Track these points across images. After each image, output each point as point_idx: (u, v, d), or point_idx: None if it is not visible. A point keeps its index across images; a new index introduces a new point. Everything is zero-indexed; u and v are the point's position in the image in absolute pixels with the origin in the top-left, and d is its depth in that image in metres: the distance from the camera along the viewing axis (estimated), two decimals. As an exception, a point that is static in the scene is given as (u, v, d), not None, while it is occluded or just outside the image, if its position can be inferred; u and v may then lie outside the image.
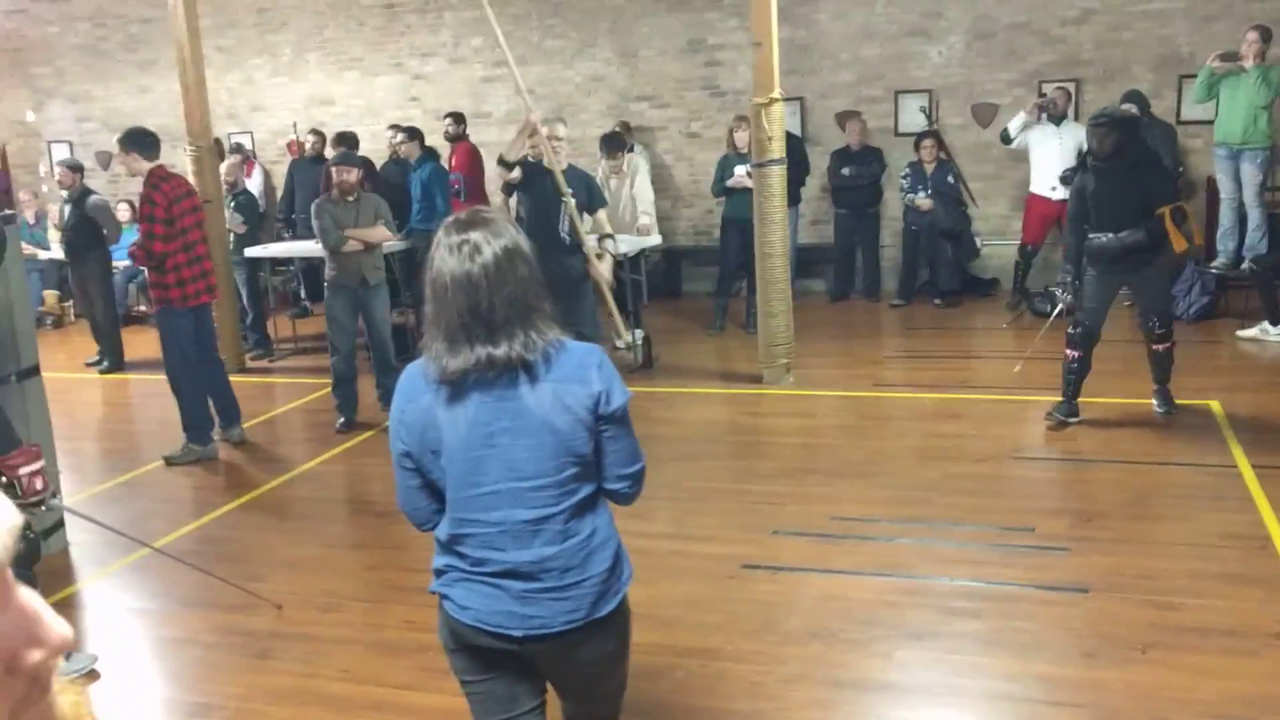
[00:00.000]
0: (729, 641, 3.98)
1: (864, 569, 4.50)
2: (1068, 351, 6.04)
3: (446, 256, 2.21)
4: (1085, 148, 8.61)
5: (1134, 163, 5.74)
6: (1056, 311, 6.50)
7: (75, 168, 9.21)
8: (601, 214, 6.67)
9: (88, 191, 9.09)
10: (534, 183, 6.27)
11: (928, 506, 5.12)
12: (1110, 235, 5.76)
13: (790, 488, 5.51)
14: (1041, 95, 9.14)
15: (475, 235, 2.20)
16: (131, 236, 9.39)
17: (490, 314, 2.18)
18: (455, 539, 2.32)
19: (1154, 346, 6.10)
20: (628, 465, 2.35)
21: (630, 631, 2.48)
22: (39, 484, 3.62)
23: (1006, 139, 9.13)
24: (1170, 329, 6.07)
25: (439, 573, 2.39)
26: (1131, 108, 8.17)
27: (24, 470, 3.57)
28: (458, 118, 9.97)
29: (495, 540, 2.26)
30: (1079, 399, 6.11)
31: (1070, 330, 6.05)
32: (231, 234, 8.93)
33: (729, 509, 5.26)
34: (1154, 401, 6.23)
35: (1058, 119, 8.99)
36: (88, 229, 8.89)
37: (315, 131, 10.57)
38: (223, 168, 9.05)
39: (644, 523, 4.70)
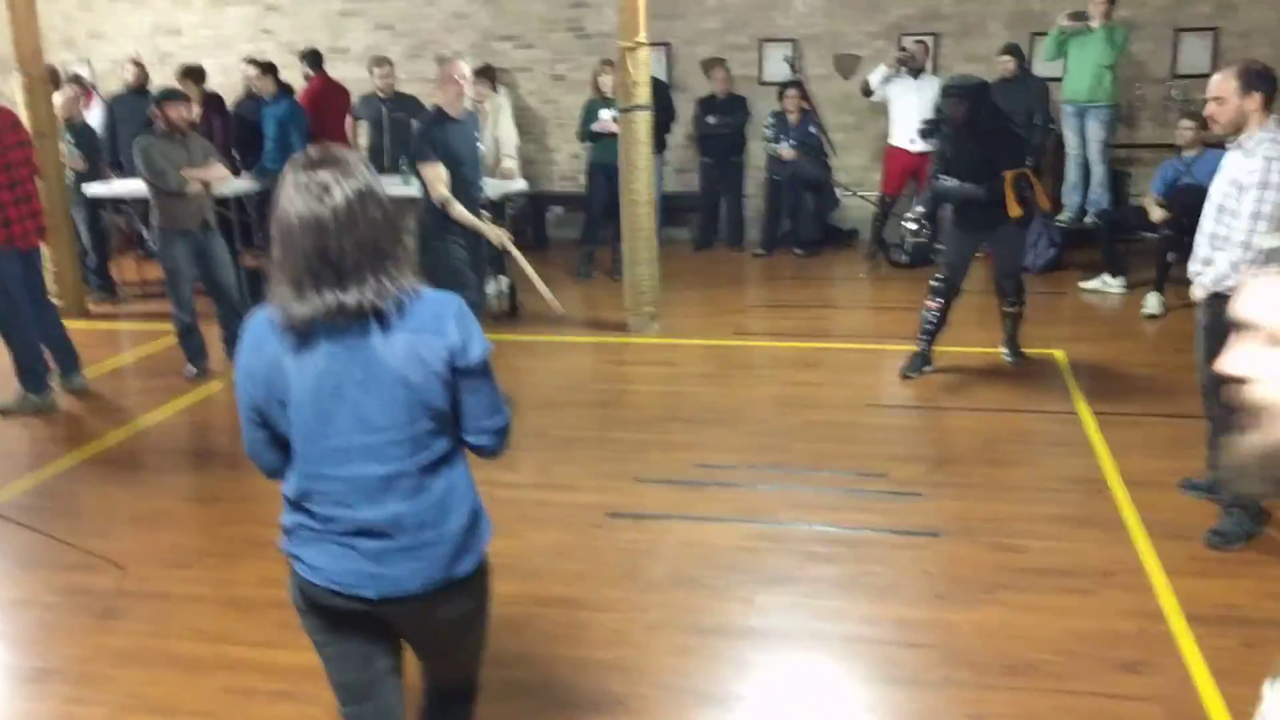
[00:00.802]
0: (593, 590, 3.99)
1: (725, 515, 4.57)
2: (928, 301, 6.22)
3: (294, 195, 2.07)
4: (942, 100, 8.86)
5: (985, 129, 5.95)
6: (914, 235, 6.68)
7: None
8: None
9: None
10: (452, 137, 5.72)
11: (786, 454, 5.22)
12: (955, 182, 5.99)
13: (654, 435, 5.54)
14: (902, 49, 9.28)
15: (325, 175, 2.07)
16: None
17: (340, 258, 2.05)
18: (304, 495, 2.22)
19: (1005, 309, 6.37)
20: (489, 417, 2.25)
21: (490, 590, 2.43)
22: None
23: (867, 91, 9.27)
24: (1021, 295, 6.33)
25: (288, 531, 2.29)
26: (1010, 60, 8.46)
27: None
28: (313, 57, 9.51)
29: (345, 496, 2.17)
30: (933, 349, 6.30)
31: (932, 282, 6.22)
32: (70, 170, 8.42)
33: (594, 458, 5.26)
34: (1003, 351, 6.48)
35: (916, 72, 9.15)
36: None
37: (135, 62, 9.89)
38: (58, 99, 8.49)
39: (509, 472, 4.66)
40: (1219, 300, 3.96)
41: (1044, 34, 9.07)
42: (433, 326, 2.13)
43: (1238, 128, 4.03)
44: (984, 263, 7.43)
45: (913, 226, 6.31)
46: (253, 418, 2.23)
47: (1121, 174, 9.14)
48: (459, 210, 5.54)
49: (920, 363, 6.27)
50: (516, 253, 6.02)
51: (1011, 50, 8.79)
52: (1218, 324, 4.02)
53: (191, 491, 5.21)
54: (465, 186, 5.61)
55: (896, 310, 7.68)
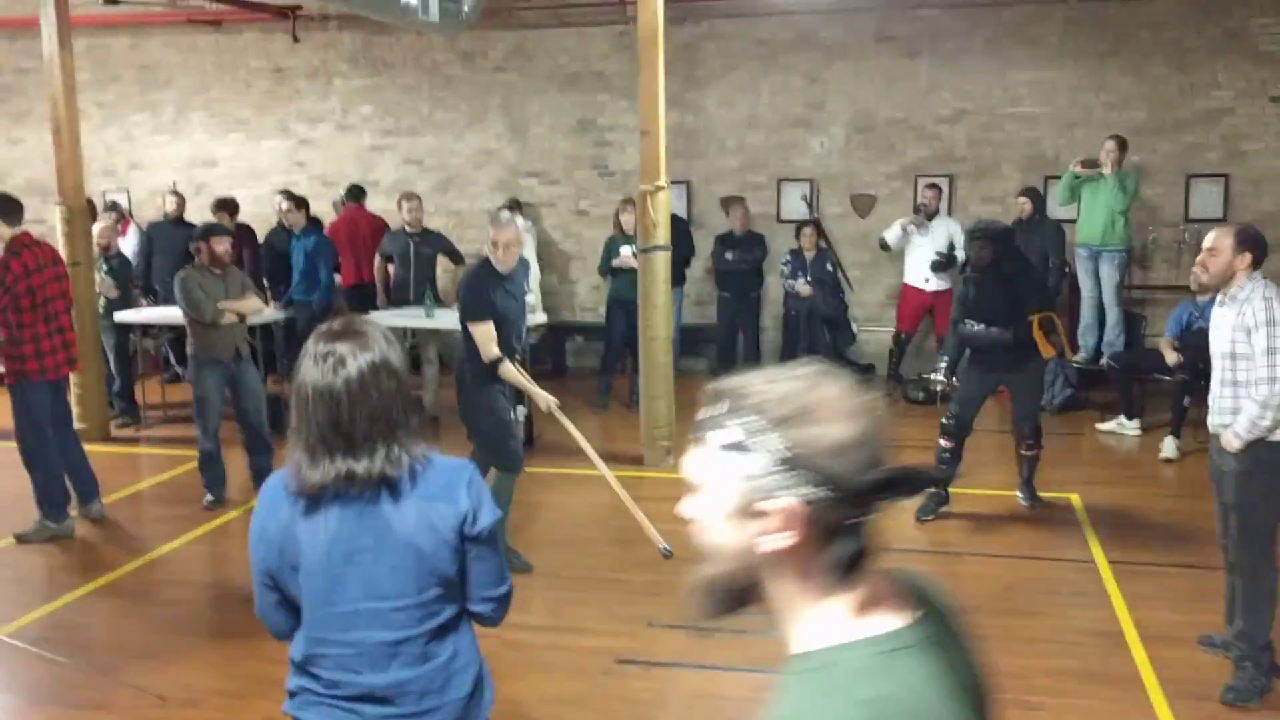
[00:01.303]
0: (601, 742, 3.94)
1: (737, 664, 4.52)
2: (940, 441, 6.23)
3: (311, 367, 2.16)
4: (953, 241, 9.05)
5: (1008, 273, 6.05)
6: (938, 392, 6.70)
7: None
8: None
9: None
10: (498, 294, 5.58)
11: (802, 599, 5.17)
12: (981, 326, 6.04)
13: (668, 576, 5.49)
14: (916, 209, 9.42)
15: (341, 347, 2.15)
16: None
17: (351, 428, 2.12)
18: (310, 659, 2.24)
19: (1022, 451, 6.38)
20: (494, 586, 2.28)
21: None
22: None
23: (884, 246, 9.47)
24: (1039, 437, 6.34)
25: (292, 694, 2.31)
26: (1026, 203, 8.64)
27: None
28: (356, 191, 9.86)
29: (350, 662, 2.19)
30: (949, 489, 6.29)
31: (943, 420, 6.25)
32: (102, 297, 8.63)
33: (606, 599, 5.24)
34: (1019, 494, 6.46)
35: (930, 215, 9.35)
36: None
37: (175, 193, 10.26)
38: (95, 229, 8.77)
39: (521, 613, 4.60)
40: (1258, 446, 4.00)
41: (1057, 177, 9.26)
42: (445, 494, 2.18)
43: (1224, 281, 4.21)
44: (999, 402, 7.46)
45: (941, 380, 6.34)
46: (264, 580, 2.27)
47: (1136, 316, 9.22)
48: (508, 370, 5.41)
49: (936, 504, 6.26)
50: (566, 420, 5.69)
51: (1029, 193, 8.98)
52: (1260, 469, 4.05)
53: (203, 626, 5.20)
54: (508, 340, 5.49)
55: (913, 449, 7.65)
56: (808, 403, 1.21)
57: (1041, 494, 6.46)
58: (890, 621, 1.24)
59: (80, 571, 5.84)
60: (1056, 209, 9.27)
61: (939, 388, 6.52)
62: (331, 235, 9.34)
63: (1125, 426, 8.03)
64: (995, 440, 7.08)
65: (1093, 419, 8.35)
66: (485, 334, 5.32)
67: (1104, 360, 8.50)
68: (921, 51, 9.97)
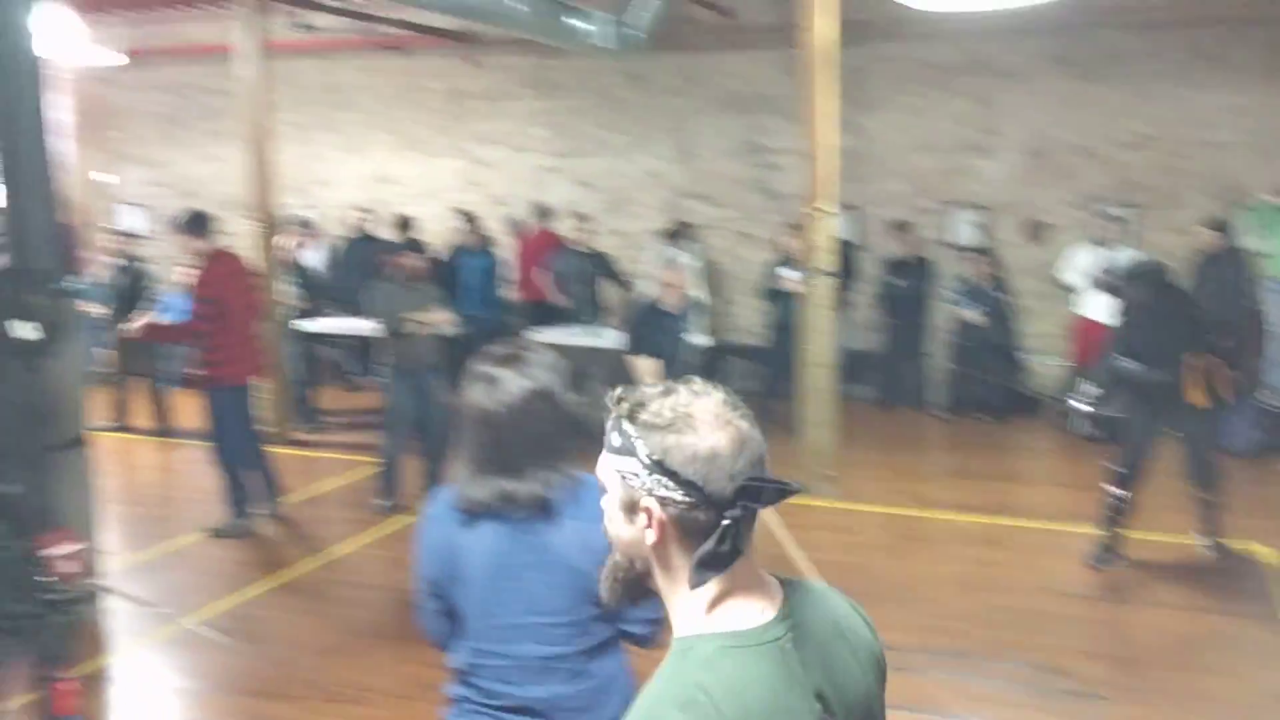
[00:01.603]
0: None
1: (895, 703, 4.37)
2: (1110, 488, 5.98)
3: (473, 387, 2.25)
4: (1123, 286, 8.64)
5: (1165, 313, 5.78)
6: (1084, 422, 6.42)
7: (128, 234, 9.48)
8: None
9: (137, 259, 9.31)
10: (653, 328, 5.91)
11: (964, 639, 5.05)
12: (1134, 364, 5.79)
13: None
14: (1105, 272, 9.00)
15: (504, 372, 2.24)
16: (177, 300, 9.60)
17: (508, 452, 2.21)
18: (470, 669, 2.32)
19: (1200, 495, 6.07)
20: (651, 610, 2.31)
21: None
22: (72, 569, 3.63)
23: (1065, 286, 9.17)
24: (1214, 482, 6.01)
25: (453, 702, 2.39)
26: (1212, 234, 8.24)
27: (57, 552, 3.60)
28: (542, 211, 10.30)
29: (509, 674, 2.26)
30: (1122, 536, 6.03)
31: (1113, 466, 5.99)
32: (288, 308, 9.12)
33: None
34: (1200, 541, 6.14)
35: (1110, 246, 8.99)
36: (133, 296, 9.10)
37: (363, 209, 10.78)
38: (282, 243, 9.26)
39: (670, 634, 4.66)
40: None
41: (1246, 206, 8.79)
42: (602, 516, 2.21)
43: None
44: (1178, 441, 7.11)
45: (1085, 408, 6.11)
46: (428, 589, 2.36)
47: (1335, 355, 8.65)
48: None
49: (1110, 553, 6.00)
50: None
51: (1216, 224, 8.53)
52: None
53: (371, 627, 5.40)
54: (666, 377, 5.58)
55: (1085, 489, 7.37)
56: (681, 415, 1.37)
57: (1227, 542, 6.11)
58: (744, 620, 1.37)
59: (261, 567, 6.16)
60: (1248, 240, 8.79)
61: (1076, 415, 6.24)
62: (520, 252, 9.72)
63: (1320, 473, 7.54)
64: (1175, 483, 6.74)
65: (1284, 464, 7.88)
66: (644, 367, 5.43)
67: (1297, 402, 8.01)
68: (1103, 75, 9.62)
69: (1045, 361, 9.83)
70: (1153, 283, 5.80)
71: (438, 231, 10.90)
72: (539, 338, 8.91)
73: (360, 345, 10.68)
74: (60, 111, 5.09)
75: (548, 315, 9.54)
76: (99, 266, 9.65)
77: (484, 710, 2.30)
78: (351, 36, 11.45)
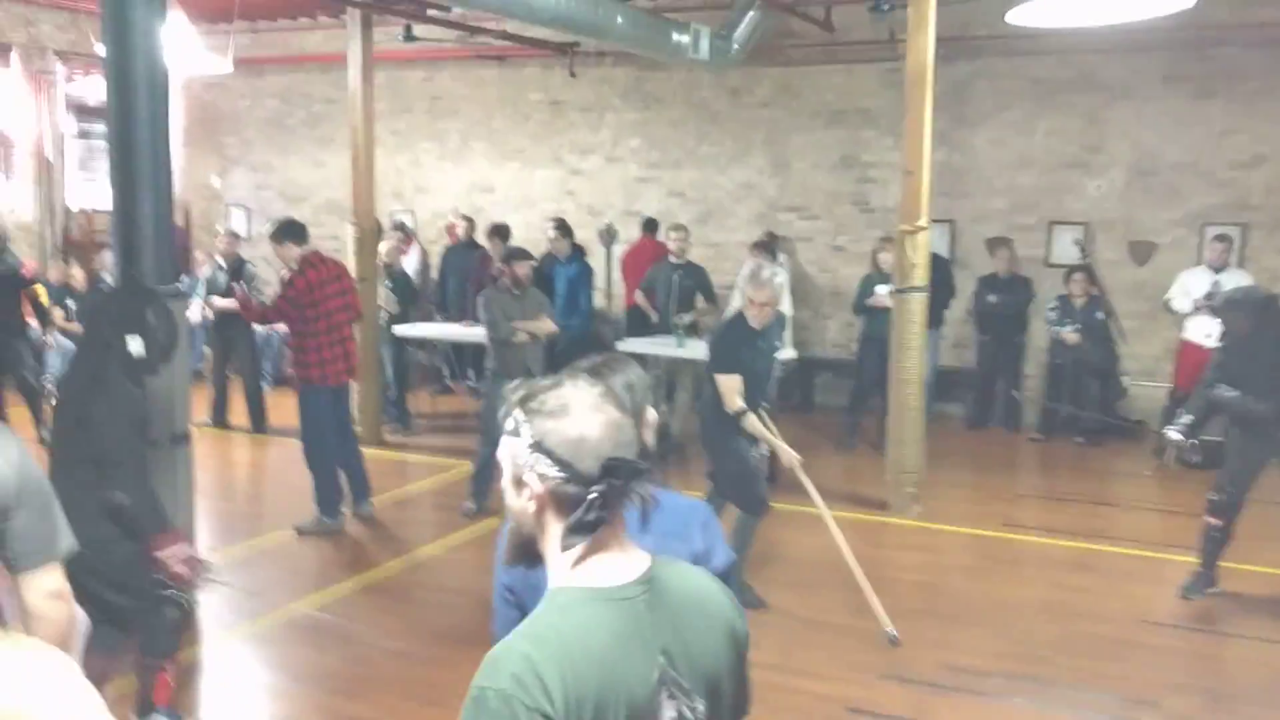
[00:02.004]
0: (825, 791, 3.88)
1: (973, 728, 4.36)
2: (1208, 519, 5.78)
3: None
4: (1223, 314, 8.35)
5: (1269, 343, 5.55)
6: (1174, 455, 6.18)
7: (234, 235, 9.78)
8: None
9: (242, 260, 9.61)
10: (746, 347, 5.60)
11: (1048, 666, 4.93)
12: (1235, 393, 5.58)
13: (907, 628, 5.36)
14: (1210, 296, 8.70)
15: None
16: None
17: None
18: None
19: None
20: None
21: None
22: (184, 571, 3.77)
23: (1169, 308, 8.92)
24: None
25: None
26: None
27: (169, 555, 3.74)
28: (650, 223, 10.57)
29: None
30: (1217, 568, 5.83)
31: (1212, 496, 5.79)
32: (384, 311, 9.32)
33: (840, 645, 5.16)
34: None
35: (1219, 268, 8.72)
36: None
37: (465, 217, 11.02)
38: (382, 248, 9.48)
39: (751, 650, 4.65)
40: None
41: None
42: (678, 532, 2.22)
43: None
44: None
45: (1178, 437, 5.87)
46: (505, 596, 2.36)
47: None
48: (753, 422, 5.44)
49: (1204, 584, 5.80)
50: (807, 481, 5.62)
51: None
52: None
53: (452, 630, 5.47)
54: (754, 393, 5.50)
55: (1183, 515, 7.15)
56: (561, 404, 1.61)
57: (1331, 578, 5.87)
58: (605, 579, 1.60)
59: (348, 567, 6.30)
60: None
61: (1173, 445, 5.99)
62: (625, 260, 10.04)
63: None
64: (1274, 513, 6.50)
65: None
66: (730, 386, 5.38)
67: None
68: (1216, 92, 9.33)
69: (1146, 385, 9.55)
70: (1254, 311, 5.60)
71: (533, 240, 11.03)
72: (627, 347, 8.96)
73: (454, 350, 10.89)
74: (174, 117, 5.30)
75: (642, 325, 9.60)
76: (207, 267, 9.99)
77: None
78: (454, 47, 11.68)
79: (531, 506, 1.64)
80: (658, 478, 2.29)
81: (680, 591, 1.67)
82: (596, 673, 1.51)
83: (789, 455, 5.52)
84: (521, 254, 7.43)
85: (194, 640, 5.11)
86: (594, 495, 1.58)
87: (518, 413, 1.64)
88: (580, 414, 1.61)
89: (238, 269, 9.41)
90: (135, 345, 3.98)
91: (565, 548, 1.61)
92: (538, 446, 1.61)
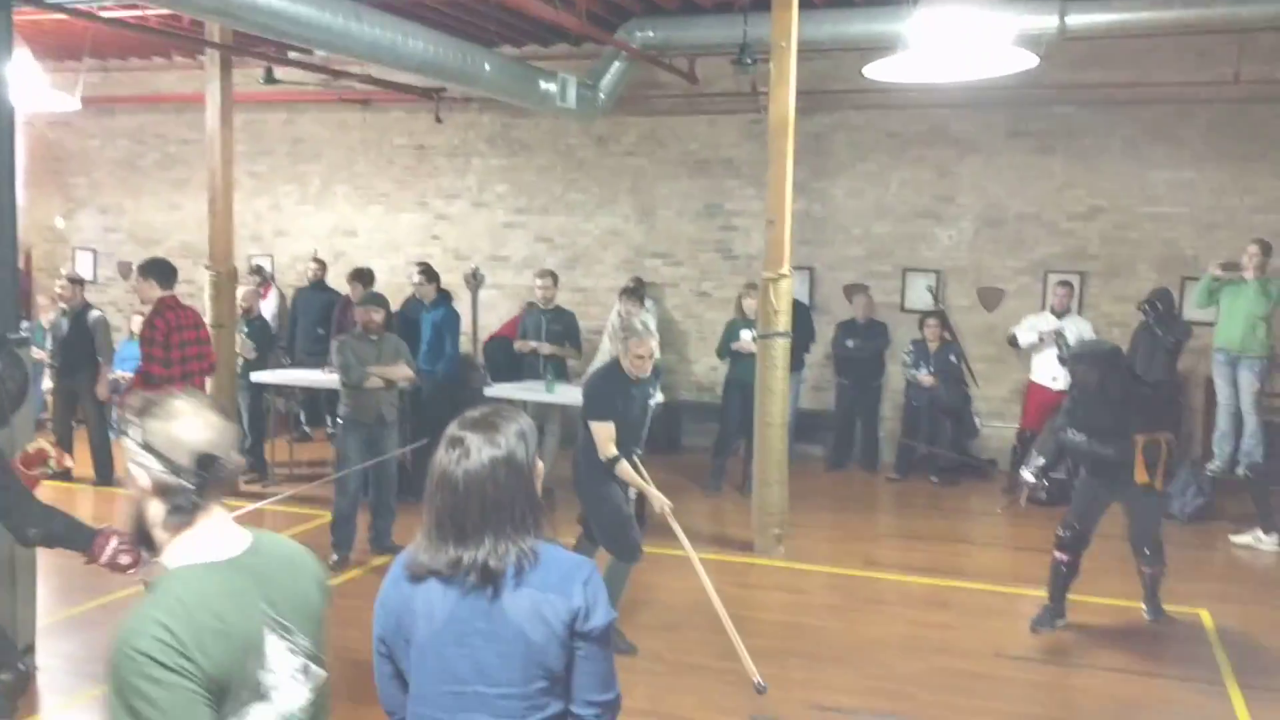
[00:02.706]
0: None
1: (840, 765, 4.42)
2: (1056, 554, 6.04)
3: (441, 453, 2.24)
4: (1083, 339, 8.83)
5: (1116, 396, 5.82)
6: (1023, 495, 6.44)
7: (76, 281, 9.38)
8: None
9: (88, 306, 9.22)
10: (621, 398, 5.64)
11: (910, 701, 5.05)
12: (1082, 437, 5.86)
13: (772, 669, 5.40)
14: (1054, 332, 9.15)
15: (471, 438, 2.23)
16: (131, 348, 9.52)
17: (463, 518, 2.18)
18: None
19: (1143, 568, 6.14)
20: (599, 691, 2.24)
21: None
22: (128, 559, 3.56)
23: (1014, 343, 9.34)
24: (1160, 556, 6.08)
25: None
26: (1152, 306, 8.42)
27: (109, 555, 3.54)
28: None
29: None
30: (1065, 601, 6.08)
31: (1060, 532, 6.05)
32: (241, 358, 9.05)
33: (708, 687, 5.18)
34: (1144, 607, 6.20)
35: (1060, 313, 9.19)
36: (83, 343, 9.01)
37: (317, 260, 10.82)
38: (240, 293, 9.22)
39: (623, 694, 4.62)
40: None
41: (1194, 278, 9.01)
42: (559, 587, 2.19)
43: None
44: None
45: (1030, 479, 6.16)
46: (381, 649, 2.32)
47: (1276, 425, 8.81)
48: (625, 469, 5.46)
49: (1052, 616, 6.04)
50: (677, 526, 5.57)
51: (1160, 295, 8.70)
52: None
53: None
54: (628, 441, 5.55)
55: (1033, 551, 7.44)
56: (169, 410, 1.96)
57: (1168, 608, 6.18)
58: (211, 553, 1.94)
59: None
60: (1193, 310, 9.01)
61: (1026, 487, 6.27)
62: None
63: (1262, 541, 7.64)
64: (1117, 547, 6.81)
65: (1227, 531, 7.97)
66: (605, 433, 5.38)
67: (1240, 469, 8.14)
68: (1056, 148, 9.87)
69: (996, 425, 9.96)
70: (1100, 363, 5.86)
71: (397, 284, 10.91)
72: (495, 392, 8.90)
73: (310, 397, 10.63)
74: (16, 156, 5.07)
75: (511, 370, 9.55)
76: (49, 311, 9.55)
77: None
78: (317, 90, 11.52)
79: (142, 495, 1.97)
80: (545, 531, 2.27)
81: (276, 555, 2.06)
82: (219, 626, 1.85)
83: (660, 501, 5.55)
84: (373, 299, 7.39)
85: (33, 709, 4.83)
86: (189, 485, 1.92)
87: (131, 416, 1.97)
88: (182, 418, 1.95)
89: (81, 315, 9.02)
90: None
91: (168, 528, 1.95)
92: (146, 445, 1.95)
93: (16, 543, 3.51)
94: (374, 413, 6.99)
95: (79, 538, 3.62)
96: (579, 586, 2.21)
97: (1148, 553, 6.05)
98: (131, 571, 3.59)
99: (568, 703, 2.25)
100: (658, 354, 8.72)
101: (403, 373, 7.20)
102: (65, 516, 3.73)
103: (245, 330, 9.29)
